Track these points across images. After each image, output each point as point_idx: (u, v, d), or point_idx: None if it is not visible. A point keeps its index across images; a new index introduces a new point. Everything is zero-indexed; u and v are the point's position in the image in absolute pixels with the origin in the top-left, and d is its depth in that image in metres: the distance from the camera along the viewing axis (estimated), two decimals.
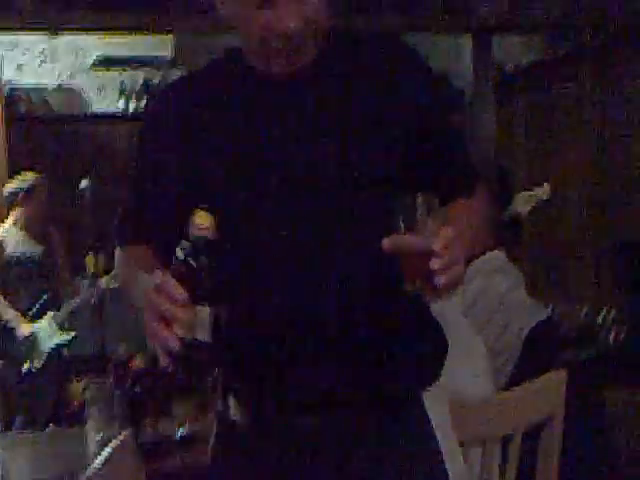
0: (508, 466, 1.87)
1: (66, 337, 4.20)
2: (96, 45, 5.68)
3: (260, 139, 1.45)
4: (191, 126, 1.48)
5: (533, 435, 1.93)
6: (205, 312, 1.27)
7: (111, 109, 5.89)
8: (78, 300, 4.21)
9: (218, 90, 1.49)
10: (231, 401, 1.50)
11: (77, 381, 2.80)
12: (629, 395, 3.47)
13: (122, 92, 5.91)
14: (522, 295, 2.54)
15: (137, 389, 2.46)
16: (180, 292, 1.26)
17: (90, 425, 2.28)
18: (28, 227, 4.46)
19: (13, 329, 4.21)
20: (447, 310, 1.66)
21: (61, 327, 4.22)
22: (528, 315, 2.47)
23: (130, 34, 5.13)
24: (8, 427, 3.41)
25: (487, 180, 1.57)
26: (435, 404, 1.52)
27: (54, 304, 4.33)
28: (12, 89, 5.55)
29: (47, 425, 2.82)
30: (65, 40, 5.68)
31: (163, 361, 1.27)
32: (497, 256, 2.54)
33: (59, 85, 5.84)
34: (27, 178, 4.48)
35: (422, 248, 1.28)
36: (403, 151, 1.46)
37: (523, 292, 2.55)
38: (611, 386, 3.35)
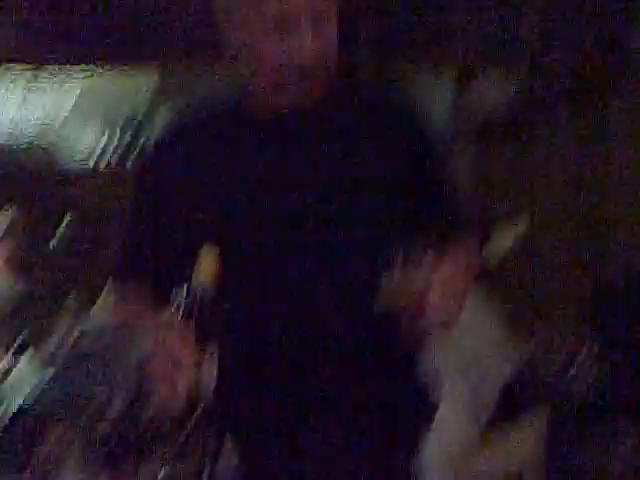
0: None
1: (44, 377, 4.13)
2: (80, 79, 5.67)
3: (261, 183, 1.48)
4: (193, 171, 1.50)
5: None
6: (208, 357, 1.29)
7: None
8: (57, 339, 4.15)
9: (219, 136, 1.52)
10: (227, 441, 1.49)
11: (53, 426, 2.75)
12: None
13: (106, 126, 5.89)
14: (498, 342, 2.54)
15: (116, 435, 2.42)
16: (187, 334, 1.27)
17: (66, 472, 2.23)
18: (8, 263, 4.42)
19: None
20: None
21: (41, 366, 4.16)
22: (504, 364, 2.46)
23: (115, 68, 5.12)
24: None
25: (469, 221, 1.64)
26: None
27: (35, 342, 4.28)
28: None
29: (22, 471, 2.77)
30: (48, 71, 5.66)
31: (159, 410, 1.26)
32: (474, 302, 2.53)
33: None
34: (6, 213, 4.45)
35: (421, 283, 1.31)
36: (397, 196, 1.50)
37: (499, 338, 2.55)
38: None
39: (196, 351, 1.26)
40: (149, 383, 1.28)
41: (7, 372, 4.15)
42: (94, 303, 3.66)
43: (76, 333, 3.91)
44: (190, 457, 2.30)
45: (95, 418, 2.45)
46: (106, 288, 3.75)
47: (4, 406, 4.07)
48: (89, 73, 5.45)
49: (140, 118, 5.83)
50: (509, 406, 2.43)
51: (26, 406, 4.06)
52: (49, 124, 5.69)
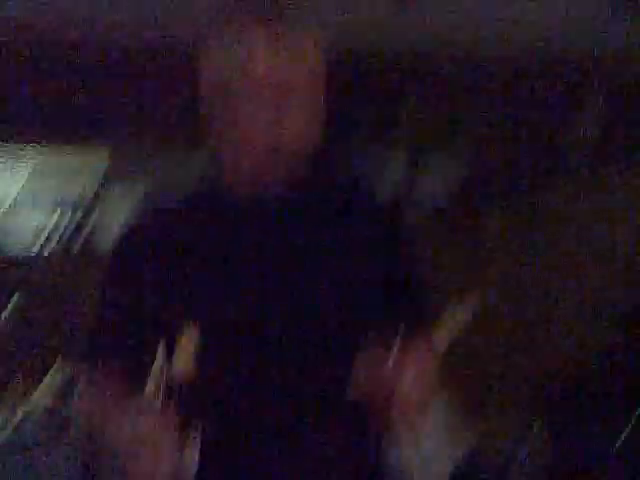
0: None
1: None
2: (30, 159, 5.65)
3: (237, 265, 1.48)
4: (167, 252, 1.50)
5: None
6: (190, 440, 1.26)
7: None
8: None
9: (194, 217, 1.52)
10: None
11: None
12: None
13: (56, 206, 5.85)
14: (447, 426, 2.54)
15: None
16: (168, 417, 1.25)
17: None
18: None
19: None
20: None
21: None
22: (446, 458, 2.46)
23: (66, 148, 5.12)
24: None
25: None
26: None
27: None
28: None
29: None
30: None
31: None
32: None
33: None
34: None
35: (390, 374, 1.32)
36: (366, 284, 1.52)
37: (448, 422, 2.55)
38: None
39: (177, 434, 1.24)
40: (128, 469, 1.24)
41: None
42: (40, 383, 3.59)
43: (19, 416, 3.82)
44: None
45: None
46: (52, 370, 3.70)
47: None
48: (39, 153, 5.45)
49: (90, 199, 5.81)
50: None
51: None
52: None
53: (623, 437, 3.95)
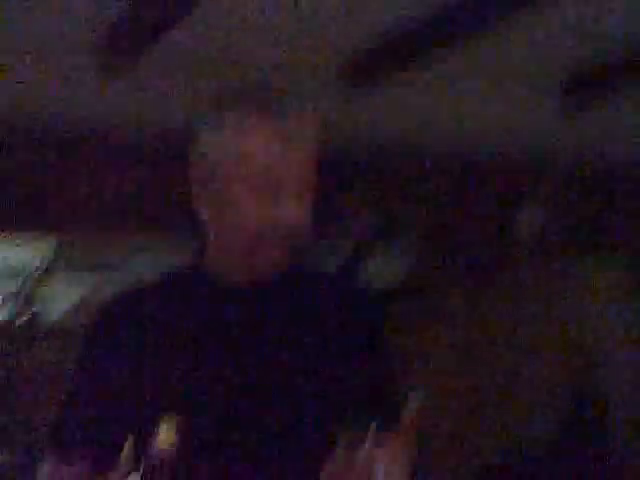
0: None
1: None
2: None
3: (220, 349, 1.47)
4: (146, 338, 1.47)
5: None
6: None
7: None
8: None
9: (177, 302, 1.51)
10: None
11: None
12: None
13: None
14: None
15: None
16: None
17: None
18: None
19: None
20: None
21: None
22: None
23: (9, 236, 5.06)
24: None
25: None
26: None
27: None
28: None
29: None
30: None
31: None
32: None
33: None
34: None
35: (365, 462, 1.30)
36: (344, 375, 1.51)
37: None
38: None
39: None
40: None
41: None
42: None
43: None
44: None
45: None
46: None
47: None
48: None
49: (33, 287, 5.74)
50: None
51: None
52: None
53: None
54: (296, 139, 1.43)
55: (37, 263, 5.64)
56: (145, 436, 1.25)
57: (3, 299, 5.66)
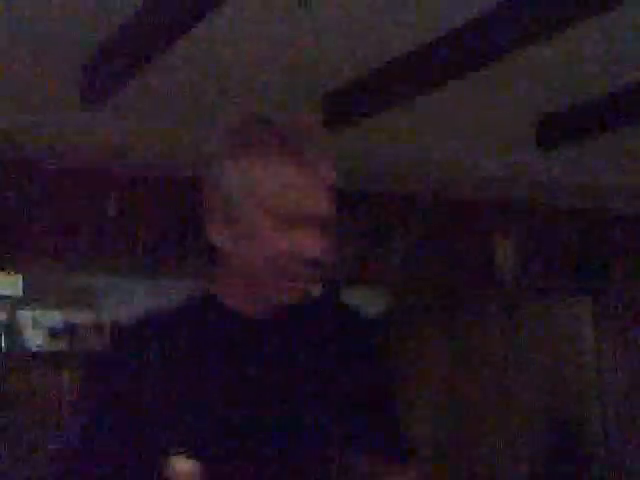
0: None
1: None
2: None
3: (235, 380, 1.45)
4: (157, 369, 1.44)
5: None
6: None
7: None
8: None
9: (190, 331, 1.48)
10: None
11: None
12: None
13: None
14: None
15: None
16: None
17: None
18: None
19: None
20: None
21: None
22: None
23: None
24: None
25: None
26: None
27: None
28: None
29: None
30: None
31: None
32: None
33: None
34: None
35: None
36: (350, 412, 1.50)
37: None
38: None
39: None
40: None
41: None
42: None
43: None
44: None
45: None
46: None
47: None
48: None
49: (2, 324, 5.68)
50: None
51: None
52: None
53: None
54: (315, 171, 1.42)
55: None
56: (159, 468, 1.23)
57: None
